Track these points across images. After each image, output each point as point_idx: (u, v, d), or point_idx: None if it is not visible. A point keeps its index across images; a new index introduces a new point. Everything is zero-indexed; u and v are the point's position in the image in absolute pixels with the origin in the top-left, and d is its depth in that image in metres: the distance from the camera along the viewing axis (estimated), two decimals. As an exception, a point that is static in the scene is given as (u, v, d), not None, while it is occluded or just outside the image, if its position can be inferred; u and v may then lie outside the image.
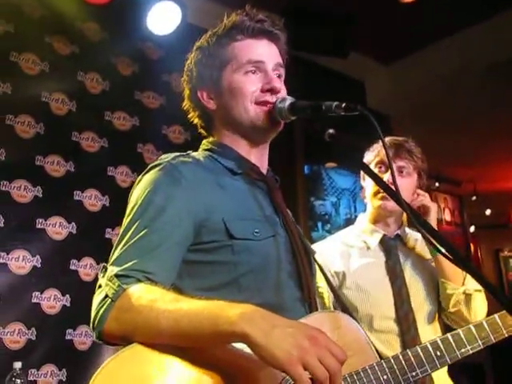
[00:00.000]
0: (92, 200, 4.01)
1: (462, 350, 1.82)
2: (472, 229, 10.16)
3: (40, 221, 3.76)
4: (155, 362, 1.35)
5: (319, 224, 5.42)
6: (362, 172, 2.71)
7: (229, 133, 1.83)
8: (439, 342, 1.77)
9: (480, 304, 2.44)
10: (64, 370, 3.61)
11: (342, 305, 1.92)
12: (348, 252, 2.59)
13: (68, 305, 3.72)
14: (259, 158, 1.85)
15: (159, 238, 1.53)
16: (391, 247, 2.57)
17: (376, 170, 2.56)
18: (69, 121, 4.05)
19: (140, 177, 1.71)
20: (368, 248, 2.57)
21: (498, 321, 1.97)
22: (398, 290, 2.45)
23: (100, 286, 1.48)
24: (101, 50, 4.23)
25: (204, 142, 1.91)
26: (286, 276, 1.70)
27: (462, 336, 1.85)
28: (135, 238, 1.53)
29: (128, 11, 3.95)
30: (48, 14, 3.90)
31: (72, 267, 3.80)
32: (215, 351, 1.38)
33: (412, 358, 1.67)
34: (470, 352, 1.85)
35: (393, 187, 1.52)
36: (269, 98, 1.76)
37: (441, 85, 6.05)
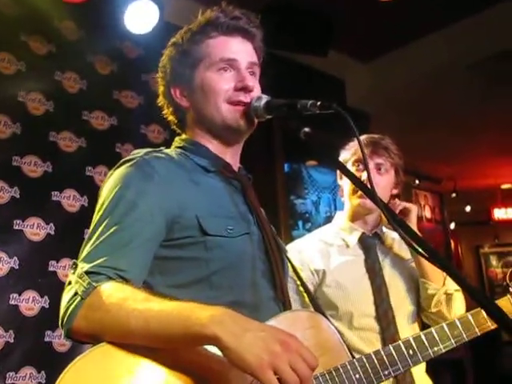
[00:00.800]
0: (70, 200, 3.97)
1: (435, 349, 1.85)
2: (452, 226, 10.24)
3: (17, 222, 3.72)
4: (124, 362, 1.33)
5: (300, 223, 5.42)
6: (338, 171, 2.71)
7: (201, 131, 1.81)
8: (412, 340, 1.78)
9: (460, 304, 2.46)
10: (43, 372, 3.58)
11: (315, 303, 1.91)
12: (327, 250, 2.58)
13: (47, 306, 3.69)
14: (232, 156, 1.83)
15: (130, 234, 1.50)
16: (370, 245, 2.57)
17: (353, 169, 2.56)
18: (46, 121, 4.00)
19: (111, 171, 1.68)
20: (347, 246, 2.57)
21: (471, 319, 2.00)
22: (378, 288, 2.45)
23: (70, 283, 1.45)
24: (78, 49, 4.18)
25: (176, 139, 1.88)
26: (259, 274, 1.68)
27: (435, 334, 1.87)
28: (106, 235, 1.49)
29: (105, 10, 3.91)
30: (24, 13, 3.85)
31: (51, 268, 3.77)
32: (185, 353, 1.37)
33: (384, 357, 1.67)
34: (443, 351, 1.87)
35: (369, 186, 1.52)
36: (242, 97, 1.73)
37: (421, 82, 6.07)
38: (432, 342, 1.84)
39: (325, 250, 2.58)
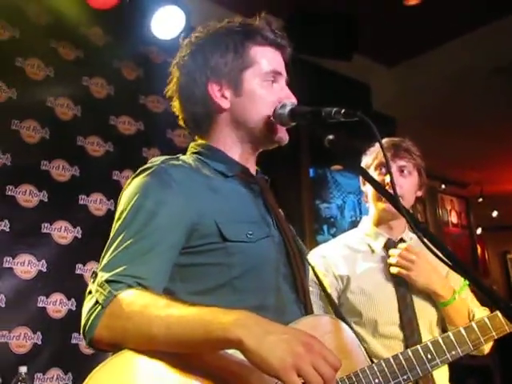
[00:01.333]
0: (97, 204, 4.02)
1: (453, 353, 1.87)
2: (479, 231, 10.14)
3: (45, 225, 3.78)
4: (145, 369, 1.34)
5: (325, 227, 5.42)
6: (361, 177, 2.71)
7: (228, 135, 1.79)
8: (430, 345, 1.80)
9: None
10: (70, 373, 3.63)
11: (336, 309, 1.91)
12: (352, 255, 2.57)
13: (74, 309, 3.74)
14: (251, 161, 1.84)
15: (150, 243, 1.51)
16: None
17: (376, 173, 2.55)
18: (74, 125, 4.06)
19: (129, 180, 1.69)
20: (372, 252, 2.56)
21: (488, 322, 2.03)
22: (402, 296, 2.43)
23: (90, 292, 1.45)
24: (105, 54, 4.25)
25: (192, 144, 1.86)
26: (281, 278, 1.69)
27: (453, 338, 1.89)
28: (126, 244, 1.50)
29: (132, 16, 3.96)
30: (53, 20, 3.92)
31: (77, 271, 3.82)
32: (207, 357, 1.38)
33: (403, 362, 1.69)
34: (461, 354, 1.90)
35: (391, 191, 1.53)
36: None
37: (446, 87, 6.04)
38: (449, 345, 1.87)
39: (350, 256, 2.56)
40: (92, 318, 1.40)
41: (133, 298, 1.39)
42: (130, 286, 1.42)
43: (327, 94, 5.11)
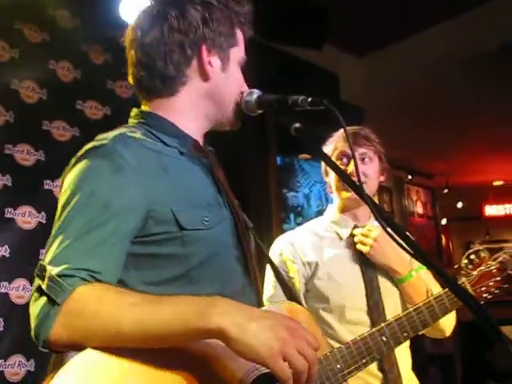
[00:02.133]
0: (62, 189, 3.97)
1: (405, 334, 1.98)
2: (444, 221, 10.28)
3: (9, 210, 3.72)
4: (114, 370, 1.25)
5: (291, 216, 5.43)
6: (323, 167, 2.73)
7: (192, 106, 1.68)
8: (385, 328, 1.90)
9: None
10: (32, 360, 3.58)
11: (290, 293, 1.89)
12: (319, 242, 2.58)
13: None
14: (202, 135, 1.75)
15: (104, 233, 1.37)
16: None
17: (338, 163, 2.56)
18: (39, 109, 4.00)
19: (74, 160, 1.52)
20: (340, 239, 2.57)
21: (434, 304, 2.12)
22: (369, 280, 2.46)
23: (39, 289, 1.30)
24: (72, 37, 4.16)
25: (136, 111, 1.71)
26: (234, 261, 1.64)
27: (404, 320, 1.99)
28: (77, 234, 1.35)
29: (100, -1, 3.91)
30: (18, 1, 3.84)
31: (42, 257, 3.75)
32: (177, 351, 1.30)
33: (362, 346, 1.76)
34: (412, 335, 2.02)
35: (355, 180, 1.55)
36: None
37: (415, 78, 6.09)
38: (401, 326, 1.98)
39: (317, 243, 2.58)
40: (45, 317, 1.26)
41: (94, 293, 1.28)
42: (84, 281, 1.29)
43: (296, 82, 5.11)
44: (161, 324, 1.23)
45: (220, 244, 1.60)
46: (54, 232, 1.39)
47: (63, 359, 1.29)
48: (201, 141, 1.73)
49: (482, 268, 2.32)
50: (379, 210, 1.40)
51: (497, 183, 10.22)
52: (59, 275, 1.28)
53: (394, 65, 6.01)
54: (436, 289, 2.40)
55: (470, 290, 2.23)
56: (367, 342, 1.78)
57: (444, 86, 6.16)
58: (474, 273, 2.31)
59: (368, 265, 2.48)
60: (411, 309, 2.05)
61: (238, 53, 1.73)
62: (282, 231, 5.09)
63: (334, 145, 2.60)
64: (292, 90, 1.61)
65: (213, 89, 1.68)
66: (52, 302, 1.27)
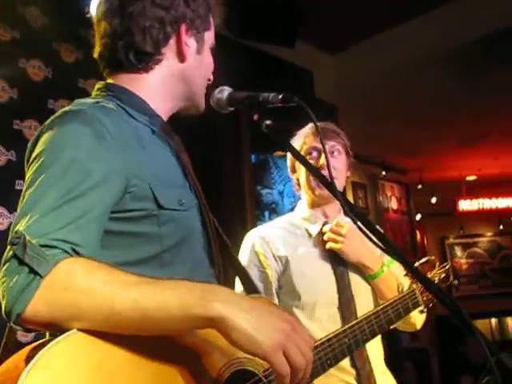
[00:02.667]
0: (35, 189, 3.92)
1: (364, 337, 2.00)
2: (418, 217, 10.35)
3: (-19, 211, 3.66)
4: (107, 355, 1.16)
5: (266, 213, 5.42)
6: (289, 163, 2.73)
7: (162, 86, 1.64)
8: (348, 329, 1.93)
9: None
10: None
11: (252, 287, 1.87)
12: (290, 238, 2.58)
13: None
14: (168, 116, 1.71)
15: (85, 204, 1.28)
16: None
17: (307, 158, 2.56)
18: (10, 108, 3.93)
19: (50, 122, 1.43)
20: (310, 235, 2.58)
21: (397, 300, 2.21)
22: (341, 277, 2.46)
23: (15, 256, 1.17)
24: (43, 36, 4.12)
25: (101, 83, 1.66)
26: (201, 249, 1.59)
27: (365, 324, 2.03)
28: (56, 203, 1.25)
29: (70, -4, 3.86)
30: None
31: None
32: (158, 339, 1.23)
33: (328, 348, 1.75)
34: (370, 339, 2.04)
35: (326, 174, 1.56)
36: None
37: (388, 75, 6.12)
38: (363, 329, 2.00)
39: (288, 238, 2.57)
40: (24, 289, 1.13)
41: (83, 267, 1.18)
42: (65, 253, 1.19)
43: (270, 80, 5.11)
44: (160, 306, 1.15)
45: (192, 229, 1.56)
46: (27, 199, 1.29)
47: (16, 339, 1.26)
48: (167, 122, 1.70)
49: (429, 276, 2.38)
50: (349, 205, 1.41)
51: (470, 178, 10.32)
52: (41, 245, 1.18)
53: (366, 61, 6.03)
54: (406, 282, 2.42)
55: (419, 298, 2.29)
56: (332, 343, 1.79)
57: (417, 82, 6.20)
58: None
59: (339, 261, 2.48)
60: (371, 312, 2.08)
61: (210, 37, 1.73)
62: (257, 228, 5.13)
63: (302, 140, 2.60)
64: (265, 88, 1.62)
65: (186, 70, 1.66)
66: (33, 272, 1.14)
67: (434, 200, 10.21)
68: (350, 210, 1.39)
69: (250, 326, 1.15)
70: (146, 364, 1.21)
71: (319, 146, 2.54)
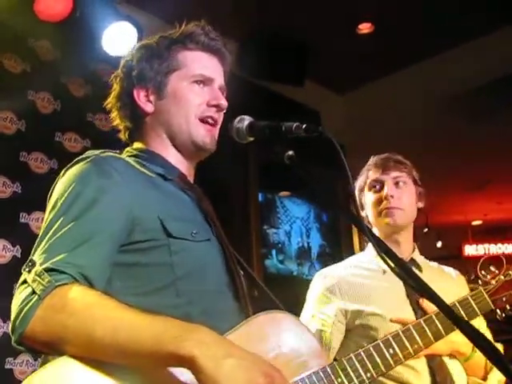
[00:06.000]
0: (39, 223, 3.85)
1: (415, 347, 1.83)
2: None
3: (-17, 243, 3.60)
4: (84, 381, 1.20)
5: (273, 252, 5.36)
6: (358, 201, 2.56)
7: (160, 139, 1.74)
8: (391, 339, 1.75)
9: None
10: (39, 360, 3.42)
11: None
12: (363, 278, 2.43)
13: (7, 331, 3.55)
14: (188, 169, 1.77)
15: (91, 230, 1.39)
16: (408, 270, 2.41)
17: (371, 192, 2.48)
18: (17, 140, 3.91)
19: (64, 171, 1.57)
20: (384, 272, 2.39)
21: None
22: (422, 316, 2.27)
23: (24, 282, 1.30)
24: (53, 69, 4.12)
25: (128, 149, 1.78)
26: (222, 283, 1.60)
27: (414, 331, 1.85)
28: (64, 230, 1.37)
29: (82, 31, 3.84)
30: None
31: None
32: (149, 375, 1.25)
33: (365, 358, 1.62)
34: (423, 347, 1.85)
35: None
36: (213, 113, 1.72)
37: (396, 116, 6.12)
38: (411, 339, 1.83)
39: (360, 281, 2.42)
40: (26, 308, 1.25)
41: (77, 293, 1.26)
42: (71, 277, 1.29)
43: (277, 119, 5.09)
44: (134, 338, 1.19)
45: (207, 260, 1.58)
46: (41, 233, 1.42)
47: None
48: (190, 177, 1.78)
49: (500, 277, 2.16)
50: (380, 245, 1.33)
51: (476, 223, 10.25)
52: (46, 269, 1.29)
53: (374, 102, 6.03)
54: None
55: (488, 300, 2.10)
56: (371, 354, 1.65)
57: (424, 124, 6.19)
58: (493, 282, 2.15)
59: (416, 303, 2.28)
60: (421, 320, 1.91)
61: (182, 73, 1.74)
62: (264, 267, 5.06)
63: (365, 174, 2.53)
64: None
65: (158, 119, 1.74)
66: (35, 295, 1.26)
67: (439, 244, 10.12)
68: (381, 250, 1.31)
69: (219, 373, 1.13)
70: None
71: (382, 178, 2.45)
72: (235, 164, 4.58)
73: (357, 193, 2.54)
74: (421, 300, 2.20)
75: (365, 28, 5.16)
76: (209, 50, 1.79)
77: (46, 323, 1.24)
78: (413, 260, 2.47)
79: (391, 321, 2.18)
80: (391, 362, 1.70)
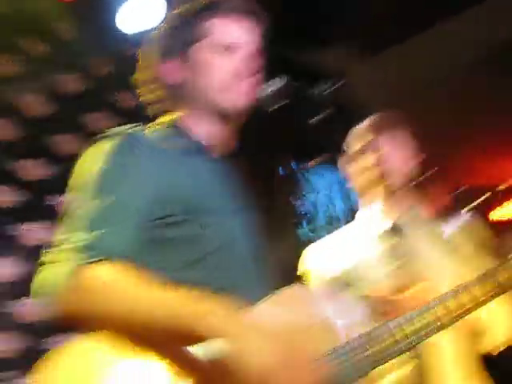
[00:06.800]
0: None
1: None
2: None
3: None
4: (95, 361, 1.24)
5: (303, 222, 5.39)
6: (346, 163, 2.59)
7: (190, 110, 1.74)
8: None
9: None
10: None
11: None
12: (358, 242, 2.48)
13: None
14: (226, 136, 1.77)
15: (120, 207, 1.42)
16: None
17: (367, 154, 2.47)
18: (44, 123, 3.92)
19: (87, 150, 1.58)
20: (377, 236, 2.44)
21: None
22: None
23: (53, 261, 1.34)
24: (74, 49, 4.09)
25: (154, 123, 1.79)
26: (250, 257, 1.63)
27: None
28: (92, 209, 1.40)
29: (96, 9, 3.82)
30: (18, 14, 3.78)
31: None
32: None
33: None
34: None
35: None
36: (242, 79, 1.69)
37: (426, 78, 6.00)
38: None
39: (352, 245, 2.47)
40: (64, 277, 1.28)
41: (105, 272, 1.29)
42: (103, 256, 1.31)
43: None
44: (151, 317, 1.22)
45: (236, 234, 1.60)
46: (68, 213, 1.44)
47: None
48: (228, 144, 1.78)
49: None
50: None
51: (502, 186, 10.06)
52: (75, 249, 1.32)
53: (400, 64, 5.94)
54: None
55: None
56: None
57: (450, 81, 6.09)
58: None
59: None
60: None
61: (209, 41, 1.72)
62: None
63: (359, 138, 2.52)
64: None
65: (189, 89, 1.73)
66: (65, 272, 1.29)
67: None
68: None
69: (245, 349, 1.16)
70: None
71: (376, 138, 2.46)
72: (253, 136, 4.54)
73: (345, 156, 2.56)
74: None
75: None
76: (238, 14, 1.75)
77: (75, 302, 1.28)
78: (405, 221, 2.46)
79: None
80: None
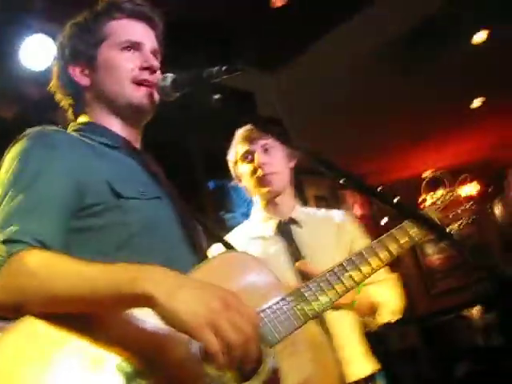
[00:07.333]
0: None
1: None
2: (384, 220, 10.35)
3: None
4: (50, 343, 1.22)
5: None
6: (234, 174, 2.71)
7: (102, 110, 1.81)
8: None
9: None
10: None
11: None
12: (247, 246, 2.50)
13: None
14: (133, 135, 1.83)
15: (40, 198, 1.44)
16: (288, 233, 2.54)
17: (244, 164, 2.60)
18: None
19: (7, 152, 1.61)
20: (264, 238, 2.54)
21: None
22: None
23: None
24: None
25: (71, 124, 1.85)
26: (178, 239, 1.66)
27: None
28: (13, 202, 1.42)
29: None
30: None
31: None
32: (114, 323, 1.29)
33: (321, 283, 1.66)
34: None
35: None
36: (147, 76, 1.76)
37: (327, 80, 6.13)
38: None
39: (245, 247, 2.43)
40: None
41: (33, 256, 1.31)
42: (28, 244, 1.34)
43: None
44: (91, 285, 1.24)
45: (159, 217, 1.63)
46: None
47: None
48: (136, 143, 1.85)
49: (446, 196, 2.18)
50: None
51: (426, 174, 10.37)
52: (3, 242, 1.33)
53: (303, 74, 6.03)
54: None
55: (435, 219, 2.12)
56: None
57: (356, 81, 6.24)
58: (438, 202, 2.19)
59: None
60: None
61: (110, 42, 1.80)
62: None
63: (235, 147, 2.63)
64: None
65: (96, 90, 1.81)
66: None
67: (395, 201, 10.21)
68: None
69: (174, 303, 1.17)
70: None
71: (251, 148, 2.57)
72: (179, 158, 4.54)
73: (231, 165, 2.63)
74: (297, 264, 2.23)
75: (278, 1, 5.15)
76: (135, 17, 1.84)
77: (7, 289, 1.28)
78: (292, 219, 2.58)
79: None
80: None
